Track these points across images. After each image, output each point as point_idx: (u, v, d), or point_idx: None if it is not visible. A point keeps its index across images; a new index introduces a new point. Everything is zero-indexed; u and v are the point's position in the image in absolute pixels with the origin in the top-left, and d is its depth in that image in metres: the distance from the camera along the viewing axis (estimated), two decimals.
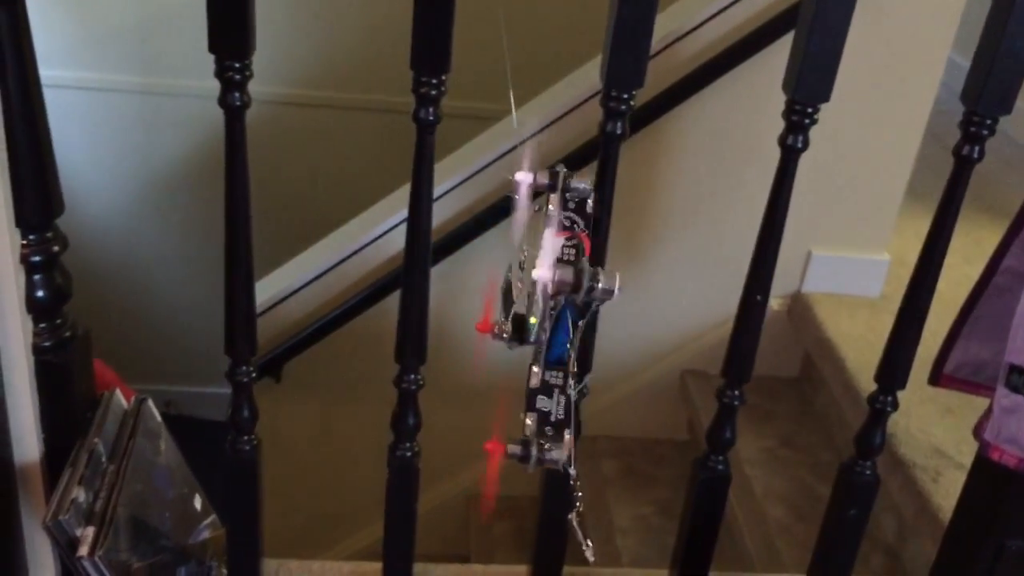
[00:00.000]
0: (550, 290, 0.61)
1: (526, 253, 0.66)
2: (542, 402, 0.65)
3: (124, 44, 2.95)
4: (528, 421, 0.64)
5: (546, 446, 0.64)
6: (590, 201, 0.67)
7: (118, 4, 2.90)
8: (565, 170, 0.66)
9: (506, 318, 0.65)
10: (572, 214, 0.66)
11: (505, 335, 0.65)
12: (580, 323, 0.65)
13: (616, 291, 0.61)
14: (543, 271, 0.60)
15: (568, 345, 0.65)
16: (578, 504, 0.71)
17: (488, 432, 0.62)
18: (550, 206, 0.65)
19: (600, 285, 0.60)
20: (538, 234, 0.64)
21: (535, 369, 0.65)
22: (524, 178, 0.64)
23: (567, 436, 0.65)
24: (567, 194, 0.66)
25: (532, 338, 0.64)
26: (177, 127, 3.04)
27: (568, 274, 0.60)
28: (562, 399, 0.65)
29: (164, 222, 3.22)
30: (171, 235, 3.23)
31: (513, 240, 0.65)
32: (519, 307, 0.65)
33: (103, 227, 3.19)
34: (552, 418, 0.65)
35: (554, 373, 0.65)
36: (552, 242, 0.62)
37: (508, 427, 0.65)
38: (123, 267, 3.27)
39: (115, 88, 2.99)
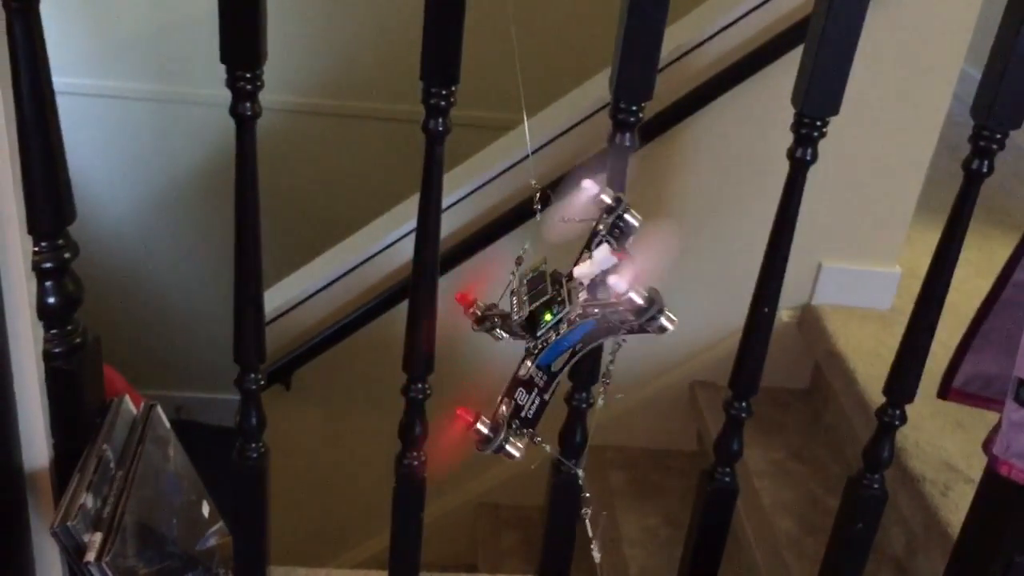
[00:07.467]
0: (593, 300, 0.61)
1: (526, 249, 0.67)
2: (520, 395, 0.65)
3: (140, 52, 2.97)
4: (503, 407, 0.64)
5: (516, 434, 0.64)
6: (632, 238, 0.66)
7: (134, 13, 2.93)
8: (626, 199, 0.66)
9: (528, 304, 0.65)
10: (614, 240, 0.66)
11: (482, 315, 0.65)
12: (618, 341, 0.65)
13: (671, 330, 0.61)
14: (620, 283, 0.59)
15: (558, 355, 0.65)
16: (588, 507, 0.71)
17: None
18: (600, 225, 0.65)
19: (662, 319, 0.60)
20: (570, 241, 0.65)
21: (528, 363, 0.65)
22: (590, 187, 0.64)
23: (527, 437, 0.65)
24: (619, 221, 0.65)
25: (540, 333, 0.64)
26: (191, 135, 3.06)
27: (641, 296, 0.59)
28: (537, 400, 0.65)
29: (177, 229, 3.24)
30: (184, 242, 3.25)
31: (548, 237, 0.65)
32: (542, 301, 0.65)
33: (116, 233, 3.21)
34: (523, 414, 0.65)
35: (541, 374, 0.66)
36: (608, 257, 0.62)
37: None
38: (137, 273, 3.29)
39: (130, 96, 3.02)
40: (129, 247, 3.25)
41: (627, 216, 0.65)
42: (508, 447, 0.64)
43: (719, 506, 1.18)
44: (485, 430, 0.63)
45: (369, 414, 2.09)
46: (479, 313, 0.67)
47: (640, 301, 0.59)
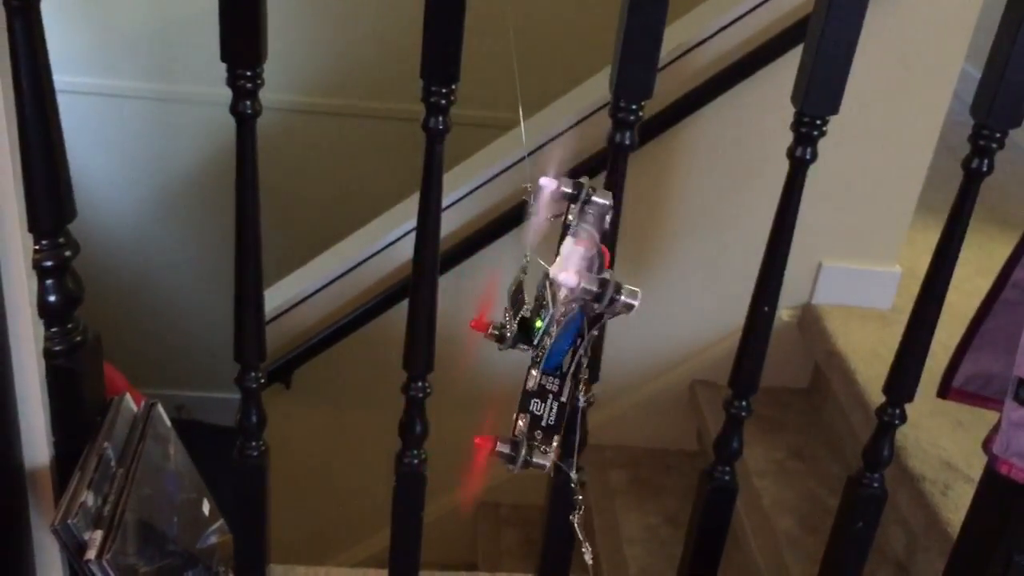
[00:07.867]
0: (571, 296, 0.61)
1: (529, 258, 0.67)
2: (535, 406, 0.65)
3: (140, 51, 2.97)
4: (520, 423, 0.64)
5: (537, 447, 0.64)
6: (608, 217, 0.66)
7: (135, 11, 2.93)
8: (588, 182, 0.66)
9: (514, 318, 0.65)
10: (589, 227, 0.66)
11: (499, 333, 0.65)
12: (591, 333, 0.65)
13: (636, 305, 0.61)
14: (570, 277, 0.59)
15: (563, 355, 0.65)
16: (579, 509, 0.71)
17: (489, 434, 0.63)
18: (569, 216, 0.65)
19: (623, 298, 0.60)
20: (553, 242, 0.64)
21: (533, 372, 0.65)
22: (547, 184, 0.64)
23: (555, 443, 0.65)
24: (587, 206, 0.65)
25: (536, 341, 0.64)
26: (191, 134, 3.06)
27: (593, 283, 0.59)
28: (555, 406, 0.65)
29: (177, 227, 3.24)
30: (185, 240, 3.25)
31: (525, 244, 0.65)
32: (527, 310, 0.65)
33: (117, 232, 3.21)
34: (543, 423, 0.65)
35: (551, 379, 0.65)
36: (572, 250, 0.62)
37: (500, 429, 0.65)
38: (138, 272, 3.29)
39: (131, 94, 3.01)
40: (129, 245, 3.25)
41: (594, 198, 0.65)
42: (536, 459, 0.64)
43: (719, 505, 1.18)
44: (507, 450, 0.63)
45: (369, 412, 2.09)
46: (496, 333, 0.67)
47: (594, 288, 0.59)
